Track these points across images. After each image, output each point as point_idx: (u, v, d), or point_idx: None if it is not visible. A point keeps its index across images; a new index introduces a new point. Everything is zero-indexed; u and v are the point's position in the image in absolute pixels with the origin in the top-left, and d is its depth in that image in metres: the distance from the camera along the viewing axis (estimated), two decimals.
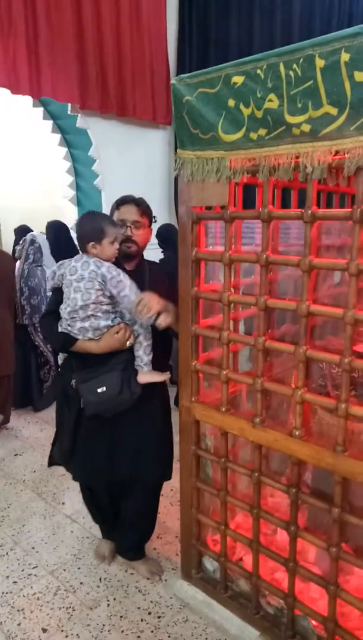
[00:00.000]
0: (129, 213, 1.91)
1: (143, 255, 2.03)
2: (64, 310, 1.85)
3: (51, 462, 2.15)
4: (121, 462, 1.97)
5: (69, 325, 1.84)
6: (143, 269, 1.99)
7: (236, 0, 4.64)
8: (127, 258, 1.94)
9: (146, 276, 1.96)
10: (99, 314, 1.81)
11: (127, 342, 1.84)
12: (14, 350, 3.54)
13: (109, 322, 1.83)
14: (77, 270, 1.81)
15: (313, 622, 1.68)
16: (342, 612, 1.66)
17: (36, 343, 3.89)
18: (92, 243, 1.80)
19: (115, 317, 1.85)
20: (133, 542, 2.19)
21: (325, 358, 1.47)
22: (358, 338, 1.82)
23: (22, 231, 4.41)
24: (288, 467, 1.63)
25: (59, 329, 1.87)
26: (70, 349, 1.89)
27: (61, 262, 1.92)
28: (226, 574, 1.92)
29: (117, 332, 1.82)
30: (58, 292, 1.92)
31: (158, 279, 1.98)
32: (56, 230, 4.02)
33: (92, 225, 1.81)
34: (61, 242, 3.94)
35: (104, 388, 1.79)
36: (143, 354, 1.87)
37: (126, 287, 1.78)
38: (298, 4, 4.65)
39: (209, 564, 2.02)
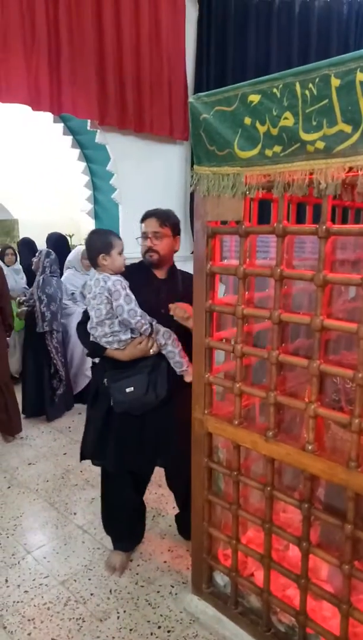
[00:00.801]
0: (150, 225, 2.05)
1: (174, 264, 2.16)
2: (88, 325, 2.05)
3: (82, 457, 2.26)
4: (154, 454, 2.15)
5: (96, 338, 2.04)
6: (175, 277, 2.14)
7: (253, 20, 4.71)
8: (153, 266, 2.09)
9: (179, 284, 2.12)
10: (116, 327, 1.97)
11: (151, 351, 2.00)
12: (7, 358, 3.66)
13: (129, 335, 1.98)
14: (92, 289, 2.00)
15: None
16: (354, 632, 1.64)
17: (49, 348, 3.94)
18: (102, 255, 1.98)
19: (132, 330, 1.99)
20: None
21: (338, 372, 1.47)
22: None
23: (24, 243, 4.56)
24: (301, 482, 1.63)
25: (90, 338, 2.07)
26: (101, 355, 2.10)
27: (84, 283, 2.05)
28: (237, 589, 1.90)
29: (140, 343, 2.00)
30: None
31: (189, 287, 2.11)
32: (54, 241, 4.38)
33: (101, 239, 2.01)
34: (57, 251, 4.32)
35: (132, 388, 1.97)
36: (180, 359, 2.02)
37: (121, 297, 1.93)
38: (314, 24, 4.70)
39: (220, 579, 2.00)
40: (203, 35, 4.77)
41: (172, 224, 2.07)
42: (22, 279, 4.79)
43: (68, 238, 4.35)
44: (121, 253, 2.03)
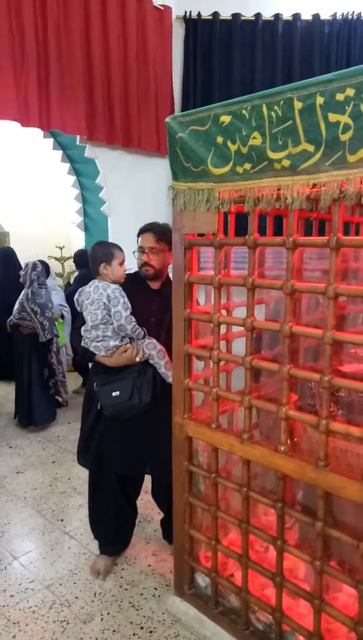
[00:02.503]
0: (146, 240, 2.14)
1: (168, 277, 2.24)
2: (82, 330, 2.14)
3: (80, 461, 2.42)
4: (141, 457, 2.24)
5: (88, 342, 2.14)
6: (168, 289, 2.16)
7: (238, 38, 4.87)
8: (149, 279, 2.18)
9: (170, 295, 2.14)
10: (108, 333, 2.06)
11: (136, 359, 2.09)
12: None
13: (118, 343, 2.08)
14: (90, 295, 2.10)
15: (301, 638, 1.71)
16: (329, 628, 1.70)
17: (50, 353, 4.10)
18: (103, 264, 2.09)
19: (124, 337, 2.08)
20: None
21: (306, 376, 1.55)
22: (346, 359, 1.91)
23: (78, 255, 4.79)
24: (274, 481, 1.69)
25: (82, 343, 2.17)
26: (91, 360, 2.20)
27: (80, 289, 2.20)
28: (217, 589, 1.96)
29: (125, 351, 2.09)
30: (82, 313, 2.20)
31: None
32: (2, 254, 4.61)
33: (103, 250, 2.13)
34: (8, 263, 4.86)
35: (118, 393, 2.06)
36: (166, 371, 2.10)
37: (119, 304, 2.04)
38: (297, 43, 4.86)
39: (202, 580, 2.06)
40: (190, 53, 4.93)
41: (168, 240, 2.13)
42: (57, 296, 4.44)
43: (14, 251, 4.69)
44: (121, 264, 2.13)
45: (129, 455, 2.21)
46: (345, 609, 1.64)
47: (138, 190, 4.87)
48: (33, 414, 4.10)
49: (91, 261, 2.14)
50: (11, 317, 4.11)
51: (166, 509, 2.38)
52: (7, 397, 4.54)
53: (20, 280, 4.06)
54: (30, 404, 4.09)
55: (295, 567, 1.91)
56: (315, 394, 1.98)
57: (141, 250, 2.16)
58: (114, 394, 2.07)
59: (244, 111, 1.50)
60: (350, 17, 4.83)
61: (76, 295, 2.21)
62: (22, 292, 3.99)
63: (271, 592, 1.85)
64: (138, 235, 2.20)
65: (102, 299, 2.05)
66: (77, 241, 5.59)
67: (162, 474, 2.24)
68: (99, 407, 2.17)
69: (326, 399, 1.48)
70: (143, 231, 2.18)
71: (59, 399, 4.31)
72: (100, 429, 2.23)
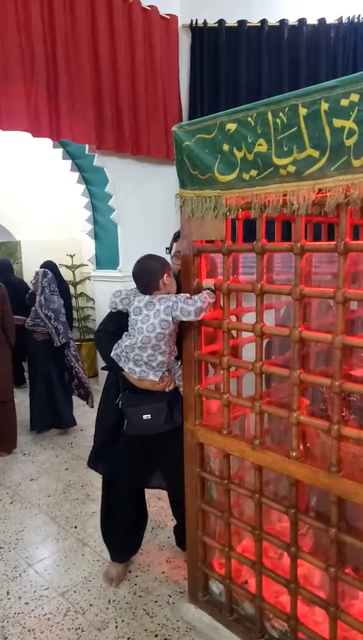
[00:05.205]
0: None
1: None
2: (124, 340, 1.97)
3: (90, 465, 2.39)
4: (157, 471, 2.24)
5: (123, 357, 1.98)
6: None
7: (244, 45, 4.88)
8: None
9: None
10: (154, 364, 1.94)
11: (167, 389, 2.01)
12: (10, 376, 3.83)
13: (156, 379, 1.97)
14: (142, 311, 1.89)
15: None
16: (345, 636, 1.68)
17: (68, 358, 4.11)
18: (166, 275, 1.90)
19: (164, 372, 1.98)
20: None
21: (317, 381, 1.55)
22: (359, 363, 1.90)
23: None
24: (287, 487, 1.69)
25: (112, 353, 2.00)
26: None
27: (122, 296, 1.99)
28: (232, 596, 1.95)
29: (159, 384, 1.99)
30: (116, 314, 2.04)
31: None
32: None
33: (159, 262, 1.93)
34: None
35: (149, 416, 1.98)
36: None
37: (178, 307, 1.82)
38: (303, 48, 4.85)
39: (216, 587, 2.05)
40: (196, 60, 4.94)
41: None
42: None
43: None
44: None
45: (148, 469, 2.21)
46: (361, 616, 1.62)
47: (147, 197, 4.89)
48: (61, 417, 4.16)
49: (148, 275, 1.91)
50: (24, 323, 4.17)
51: (181, 515, 2.38)
52: (21, 404, 4.57)
53: (32, 289, 4.12)
54: (56, 409, 4.14)
55: (310, 574, 1.89)
56: (327, 399, 1.97)
57: (179, 255, 1.98)
58: (145, 416, 1.97)
59: (249, 119, 1.51)
60: (356, 20, 4.82)
61: (115, 298, 2.01)
62: (37, 299, 4.06)
63: (286, 599, 1.84)
64: (175, 240, 2.11)
65: (160, 315, 1.85)
66: (88, 249, 5.63)
67: (181, 487, 2.18)
68: (125, 427, 2.07)
69: (337, 404, 1.47)
70: (179, 235, 2.03)
71: (86, 401, 4.24)
72: (120, 441, 2.16)
